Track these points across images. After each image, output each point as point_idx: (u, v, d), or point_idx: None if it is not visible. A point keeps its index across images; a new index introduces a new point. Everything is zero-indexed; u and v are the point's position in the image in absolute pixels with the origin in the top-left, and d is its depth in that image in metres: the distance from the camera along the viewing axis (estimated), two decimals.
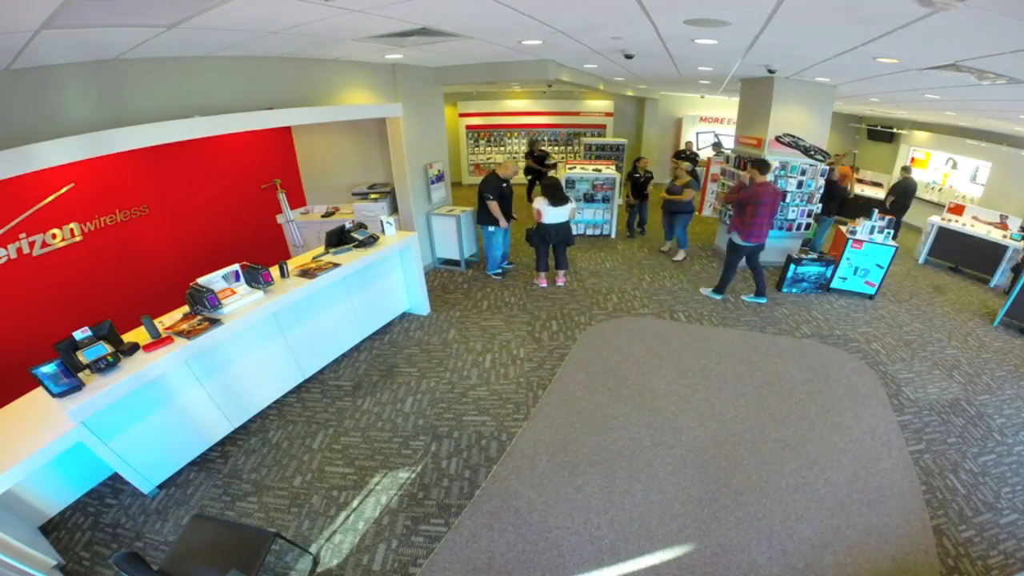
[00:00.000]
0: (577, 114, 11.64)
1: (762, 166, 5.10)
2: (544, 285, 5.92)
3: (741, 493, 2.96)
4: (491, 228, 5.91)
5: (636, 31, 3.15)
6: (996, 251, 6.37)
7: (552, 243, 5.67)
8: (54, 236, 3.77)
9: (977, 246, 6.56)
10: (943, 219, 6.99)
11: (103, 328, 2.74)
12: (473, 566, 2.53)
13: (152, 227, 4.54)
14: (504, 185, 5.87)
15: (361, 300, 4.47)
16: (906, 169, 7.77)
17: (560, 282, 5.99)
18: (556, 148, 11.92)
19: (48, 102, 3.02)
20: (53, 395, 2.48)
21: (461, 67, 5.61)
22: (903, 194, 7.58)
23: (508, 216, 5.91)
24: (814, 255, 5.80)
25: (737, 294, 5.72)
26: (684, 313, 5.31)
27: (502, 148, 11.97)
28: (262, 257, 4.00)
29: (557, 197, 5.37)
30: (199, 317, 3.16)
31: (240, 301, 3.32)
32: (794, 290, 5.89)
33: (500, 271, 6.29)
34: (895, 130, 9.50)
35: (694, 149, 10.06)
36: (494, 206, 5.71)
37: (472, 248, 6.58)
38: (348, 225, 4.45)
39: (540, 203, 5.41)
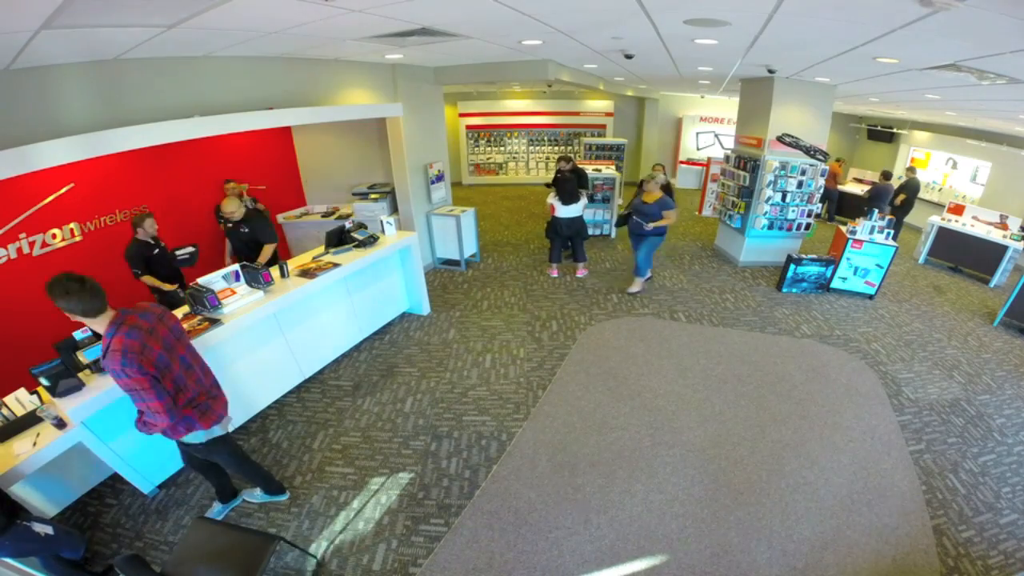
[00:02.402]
0: (577, 114, 11.65)
1: None
2: (555, 275, 6.22)
3: (741, 493, 2.96)
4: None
5: (636, 31, 3.15)
6: (996, 251, 6.37)
7: (565, 235, 5.97)
8: (54, 236, 3.78)
9: (977, 246, 6.56)
10: (943, 219, 6.98)
11: None
12: (473, 566, 2.53)
13: None
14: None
15: (361, 300, 4.46)
16: (911, 169, 7.86)
17: (580, 274, 6.25)
18: (556, 148, 11.95)
19: (48, 102, 3.02)
20: (53, 395, 2.49)
21: (461, 67, 5.61)
22: (913, 194, 7.62)
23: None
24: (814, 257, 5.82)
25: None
26: (684, 313, 5.31)
27: (502, 148, 11.98)
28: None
29: (566, 195, 5.65)
30: (199, 317, 3.16)
31: (240, 301, 3.32)
32: (794, 290, 5.89)
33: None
34: (895, 130, 9.49)
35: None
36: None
37: (472, 248, 6.58)
38: (348, 225, 4.45)
39: (553, 198, 5.74)
